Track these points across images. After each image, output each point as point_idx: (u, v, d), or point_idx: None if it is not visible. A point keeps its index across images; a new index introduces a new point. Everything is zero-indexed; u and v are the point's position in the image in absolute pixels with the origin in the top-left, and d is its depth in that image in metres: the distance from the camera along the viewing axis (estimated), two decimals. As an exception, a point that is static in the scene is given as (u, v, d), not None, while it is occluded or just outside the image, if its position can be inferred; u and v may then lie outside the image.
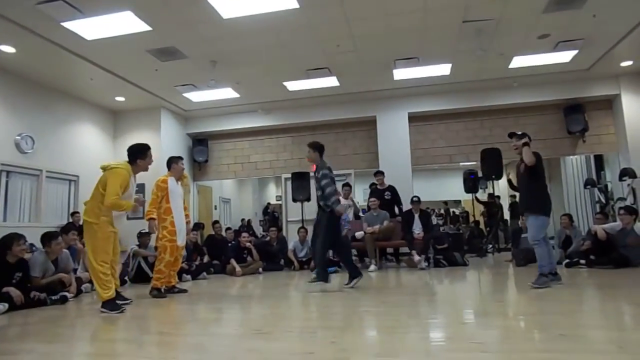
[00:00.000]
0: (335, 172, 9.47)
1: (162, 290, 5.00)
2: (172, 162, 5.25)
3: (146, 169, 4.43)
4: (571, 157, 10.19)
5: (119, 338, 3.17)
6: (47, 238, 4.92)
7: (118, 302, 4.10)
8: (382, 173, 8.23)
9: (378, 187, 8.25)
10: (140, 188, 8.63)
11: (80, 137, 8.62)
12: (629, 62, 7.94)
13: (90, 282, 4.84)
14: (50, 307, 4.43)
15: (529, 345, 2.40)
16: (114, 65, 7.22)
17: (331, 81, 8.31)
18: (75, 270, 5.59)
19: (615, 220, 6.79)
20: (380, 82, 8.58)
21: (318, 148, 5.13)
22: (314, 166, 5.19)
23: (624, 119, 8.51)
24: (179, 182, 5.24)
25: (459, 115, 9.50)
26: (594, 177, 9.73)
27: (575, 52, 7.31)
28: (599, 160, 9.93)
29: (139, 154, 4.32)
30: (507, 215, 11.99)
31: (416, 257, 6.83)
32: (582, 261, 6.13)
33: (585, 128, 8.81)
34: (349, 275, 5.05)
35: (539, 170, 4.53)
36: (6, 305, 4.10)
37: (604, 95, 8.79)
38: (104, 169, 4.21)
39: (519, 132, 4.63)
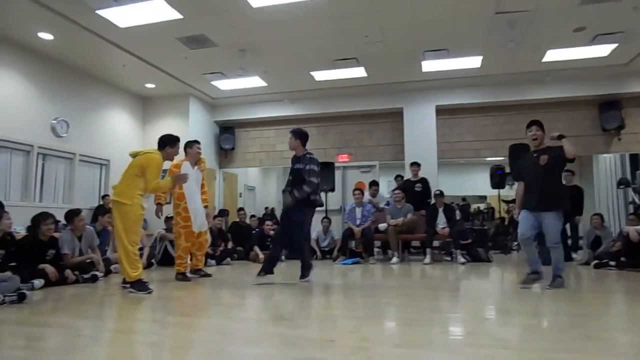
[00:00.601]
0: (359, 163, 9.72)
1: (187, 273, 5.12)
2: (186, 146, 5.25)
3: (172, 159, 4.65)
4: (604, 155, 9.85)
5: (144, 318, 3.28)
6: (70, 215, 5.13)
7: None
8: (418, 164, 8.15)
9: (411, 178, 8.20)
10: (166, 173, 8.87)
11: (112, 122, 8.85)
12: (672, 57, 7.59)
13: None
14: (82, 285, 4.63)
15: (551, 344, 2.36)
16: (145, 52, 7.36)
17: (359, 72, 8.25)
18: (105, 252, 5.80)
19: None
20: (408, 74, 8.46)
21: (301, 135, 4.88)
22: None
23: (663, 117, 8.15)
24: (196, 167, 5.23)
25: (488, 109, 9.29)
26: (629, 176, 9.39)
27: (614, 45, 7.02)
28: (635, 160, 9.55)
29: (170, 143, 4.52)
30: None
31: (427, 259, 6.81)
32: (612, 263, 5.96)
33: (622, 125, 8.48)
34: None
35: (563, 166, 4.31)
36: (42, 281, 4.30)
37: (643, 92, 8.44)
38: (134, 155, 4.36)
39: (537, 122, 4.37)
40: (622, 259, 5.88)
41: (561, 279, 4.19)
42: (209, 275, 5.35)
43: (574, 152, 4.07)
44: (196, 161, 5.27)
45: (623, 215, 9.31)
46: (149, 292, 4.02)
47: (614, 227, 8.79)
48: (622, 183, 8.97)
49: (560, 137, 4.15)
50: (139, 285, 4.06)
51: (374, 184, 8.37)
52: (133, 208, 4.15)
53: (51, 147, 7.41)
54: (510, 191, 11.90)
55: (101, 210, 6.09)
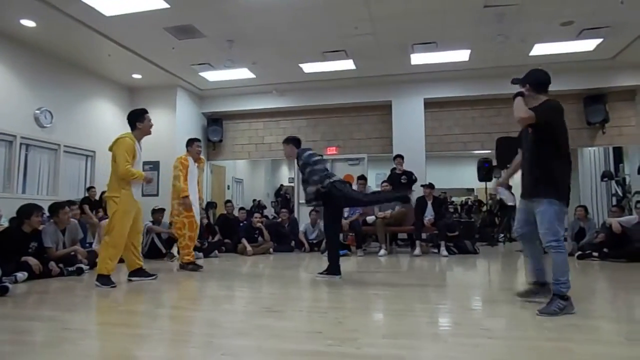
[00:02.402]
0: (348, 156, 9.72)
1: (196, 262, 5.22)
2: (188, 144, 5.38)
3: (148, 132, 4.42)
4: (589, 148, 10.00)
5: (133, 310, 3.26)
6: (55, 208, 5.03)
7: (143, 278, 4.31)
8: (401, 157, 8.18)
9: (396, 171, 8.24)
10: (155, 165, 8.79)
11: (97, 113, 8.71)
12: (656, 52, 7.70)
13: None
14: (67, 278, 4.57)
15: (537, 333, 2.41)
16: (132, 42, 7.24)
17: (347, 64, 8.23)
18: (90, 244, 5.73)
19: (631, 214, 6.69)
20: (397, 67, 8.47)
21: (291, 141, 4.76)
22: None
23: (646, 111, 8.30)
24: (196, 163, 5.35)
25: (476, 103, 9.36)
26: (612, 169, 9.56)
27: (599, 40, 7.10)
28: (618, 153, 9.73)
29: (136, 118, 4.34)
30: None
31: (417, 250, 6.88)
32: (595, 254, 6.08)
33: (606, 119, 8.61)
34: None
35: (552, 133, 2.91)
36: (26, 274, 4.22)
37: (628, 86, 8.56)
38: (111, 147, 4.26)
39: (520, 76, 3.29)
40: (605, 249, 6.01)
41: (564, 301, 2.73)
42: (200, 267, 5.35)
43: (517, 116, 2.96)
44: (196, 159, 5.35)
45: (607, 207, 9.50)
46: (113, 287, 3.95)
47: (597, 219, 8.96)
48: (606, 176, 9.14)
49: (516, 95, 3.10)
50: (102, 279, 3.98)
51: (362, 177, 8.37)
52: (122, 200, 4.09)
53: (35, 137, 7.27)
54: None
55: (86, 202, 6.01)
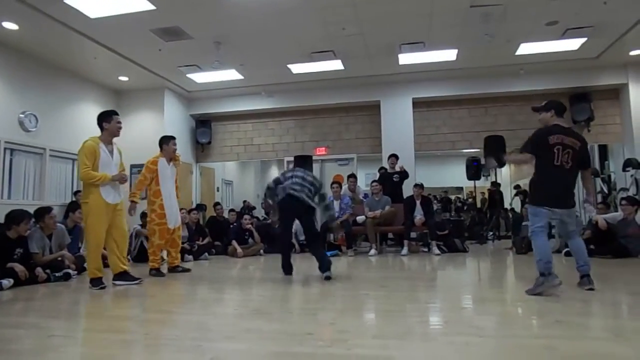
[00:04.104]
0: (337, 156, 9.73)
1: (160, 269, 5.11)
2: (162, 142, 5.23)
3: (116, 134, 4.37)
4: (575, 146, 10.12)
5: (121, 315, 3.22)
6: (40, 213, 4.96)
7: (127, 282, 4.30)
8: (396, 157, 8.24)
9: (388, 170, 8.28)
10: (140, 169, 8.69)
11: (84, 116, 8.59)
12: (639, 51, 7.83)
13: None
14: (54, 284, 4.50)
15: (526, 331, 2.43)
16: (118, 44, 7.16)
17: (336, 64, 8.24)
18: (78, 249, 5.66)
19: (616, 211, 6.78)
20: (385, 67, 8.49)
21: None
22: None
23: (630, 109, 8.43)
24: (171, 163, 5.21)
25: (464, 102, 9.43)
26: (598, 167, 9.69)
27: (584, 39, 7.20)
28: (603, 150, 9.87)
29: (102, 120, 4.32)
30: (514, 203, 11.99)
31: (404, 250, 6.90)
32: (582, 250, 6.14)
33: (591, 117, 8.73)
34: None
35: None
36: (11, 280, 4.16)
37: (612, 85, 8.70)
38: None
39: (543, 103, 3.75)
40: (591, 246, 6.07)
41: (543, 276, 3.39)
42: (187, 271, 5.30)
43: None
44: (171, 157, 5.22)
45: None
46: (101, 288, 4.05)
47: (584, 216, 9.07)
48: (592, 173, 9.23)
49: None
50: (94, 282, 4.12)
51: (352, 176, 8.40)
52: (90, 204, 4.10)
53: (19, 141, 7.15)
54: (486, 182, 12.18)
55: (72, 207, 5.92)
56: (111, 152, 4.32)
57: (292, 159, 9.32)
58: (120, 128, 4.38)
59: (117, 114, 4.40)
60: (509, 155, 3.94)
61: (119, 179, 4.32)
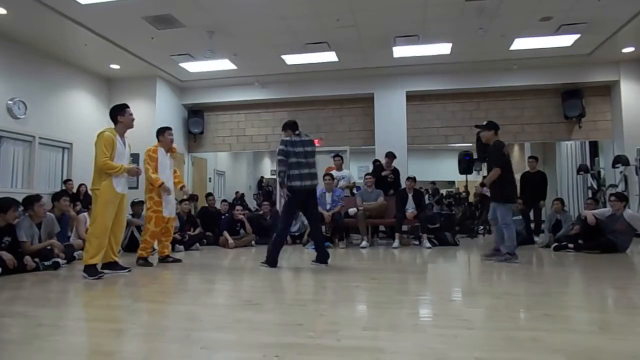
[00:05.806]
0: (330, 149, 9.69)
1: (149, 259, 5.08)
2: (159, 133, 5.26)
3: (131, 125, 4.47)
4: (566, 142, 10.21)
5: (111, 304, 3.20)
6: (29, 201, 4.90)
7: (116, 271, 4.28)
8: (393, 156, 8.11)
9: (384, 168, 8.20)
10: (135, 158, 8.61)
11: (74, 104, 8.50)
12: (631, 49, 7.89)
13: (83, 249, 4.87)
14: (43, 273, 4.46)
15: (514, 323, 2.46)
16: (109, 31, 7.06)
17: (330, 56, 8.20)
18: (68, 238, 5.61)
19: (606, 207, 6.86)
20: (379, 59, 8.47)
21: (285, 125, 4.98)
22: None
23: (621, 106, 8.51)
24: (168, 154, 5.23)
25: (457, 96, 9.45)
26: (588, 163, 9.79)
27: (577, 36, 7.23)
28: (594, 147, 9.97)
29: (117, 112, 4.41)
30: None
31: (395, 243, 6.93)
32: (570, 245, 6.22)
33: (582, 114, 8.80)
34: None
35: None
36: (-1, 269, 4.12)
37: (603, 82, 8.77)
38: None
39: (484, 123, 5.21)
40: (580, 241, 6.15)
41: (510, 255, 4.97)
42: (179, 261, 5.29)
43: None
44: (169, 148, 5.23)
45: (582, 200, 9.74)
46: (99, 278, 3.97)
47: (574, 212, 9.18)
48: (582, 169, 9.35)
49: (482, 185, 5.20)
50: (91, 270, 4.02)
51: (337, 156, 8.24)
52: (102, 191, 4.11)
53: (7, 129, 7.06)
54: (478, 177, 12.24)
55: (60, 194, 5.87)
56: (124, 144, 4.39)
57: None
58: (133, 119, 4.48)
59: (128, 106, 4.50)
60: (487, 181, 5.05)
61: (134, 173, 4.39)
